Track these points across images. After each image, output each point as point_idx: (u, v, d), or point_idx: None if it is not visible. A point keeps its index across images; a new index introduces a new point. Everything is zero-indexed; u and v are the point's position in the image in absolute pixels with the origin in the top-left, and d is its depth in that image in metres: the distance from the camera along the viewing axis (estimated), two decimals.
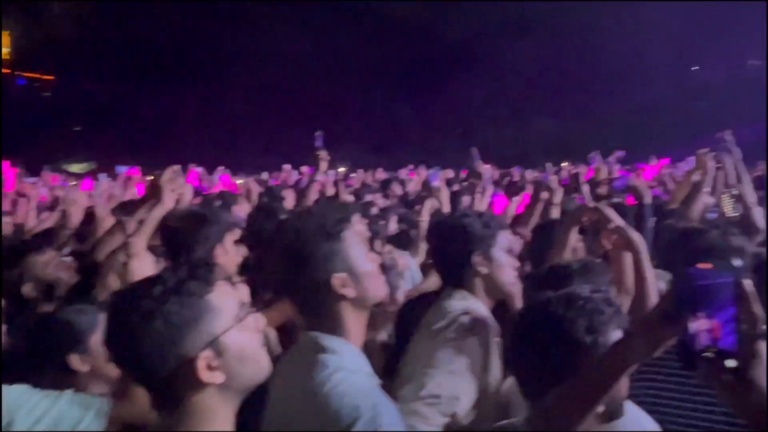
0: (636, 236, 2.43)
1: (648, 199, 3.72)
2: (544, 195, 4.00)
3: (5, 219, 4.68)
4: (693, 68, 19.21)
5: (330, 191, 6.20)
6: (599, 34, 18.60)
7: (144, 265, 2.00)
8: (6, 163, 7.06)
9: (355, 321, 1.60)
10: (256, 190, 6.82)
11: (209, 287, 1.28)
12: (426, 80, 22.76)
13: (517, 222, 4.19)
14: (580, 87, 20.74)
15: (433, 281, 3.11)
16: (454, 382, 1.87)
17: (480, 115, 21.99)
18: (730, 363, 1.10)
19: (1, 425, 1.45)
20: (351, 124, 20.28)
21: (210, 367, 1.24)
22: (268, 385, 1.47)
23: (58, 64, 27.07)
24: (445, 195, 4.28)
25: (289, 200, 6.00)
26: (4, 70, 28.92)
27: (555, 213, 3.93)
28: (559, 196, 3.99)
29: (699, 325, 1.09)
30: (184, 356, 1.23)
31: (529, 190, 4.96)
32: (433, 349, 1.95)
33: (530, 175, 8.24)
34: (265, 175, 11.44)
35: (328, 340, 1.55)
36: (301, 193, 5.60)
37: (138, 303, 1.25)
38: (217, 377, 1.25)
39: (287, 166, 9.89)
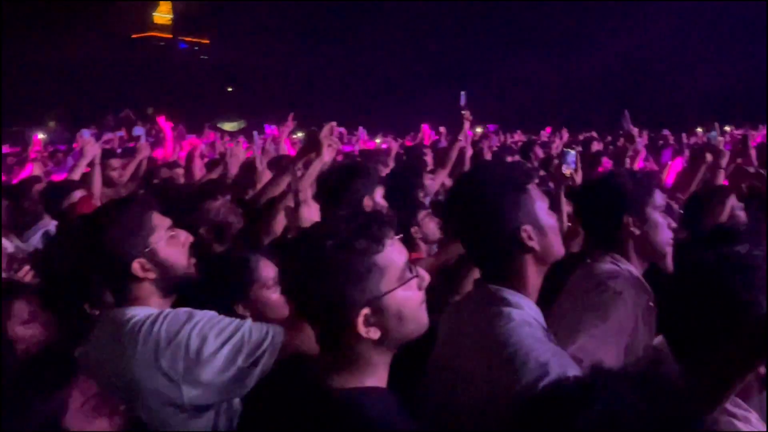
0: None
1: None
2: (709, 158, 3.71)
3: (177, 170, 5.21)
4: None
5: (469, 152, 6.18)
6: None
7: (312, 212, 2.17)
8: (161, 118, 7.72)
9: (535, 276, 1.61)
10: (395, 149, 6.98)
11: (378, 247, 1.29)
12: (567, 38, 21.64)
13: (677, 187, 3.95)
14: (742, 38, 18.59)
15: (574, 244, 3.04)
16: (597, 346, 1.84)
17: (624, 73, 20.54)
18: None
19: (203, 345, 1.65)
20: (490, 84, 19.82)
21: (367, 323, 1.28)
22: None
23: (213, 28, 28.92)
24: (578, 177, 4.12)
25: (428, 160, 6.08)
26: (166, 35, 31.46)
27: (720, 178, 3.65)
28: (725, 160, 3.70)
29: None
30: (344, 309, 1.28)
31: (686, 154, 4.65)
32: (578, 313, 1.92)
33: (686, 138, 7.66)
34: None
35: (509, 293, 1.56)
36: (441, 152, 5.66)
37: (309, 254, 1.30)
38: (373, 333, 1.28)
39: (425, 126, 9.96)
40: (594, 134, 8.82)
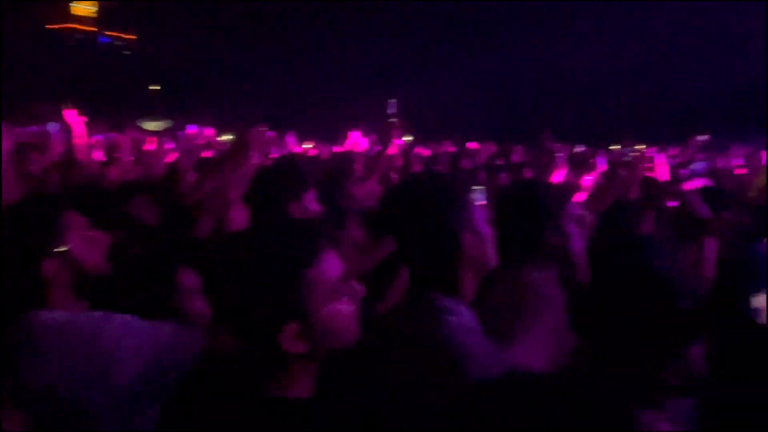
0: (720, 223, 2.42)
1: (727, 185, 3.66)
2: (622, 173, 3.94)
3: (87, 167, 4.97)
4: None
5: (399, 161, 6.25)
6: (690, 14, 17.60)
7: (240, 216, 2.13)
8: (73, 112, 7.40)
9: (471, 283, 1.67)
10: (325, 155, 6.96)
11: (311, 261, 1.24)
12: (498, 50, 22.24)
13: (591, 200, 4.15)
14: (662, 64, 19.74)
15: None
16: (531, 352, 1.91)
17: (553, 88, 21.34)
18: None
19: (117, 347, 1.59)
20: (421, 94, 20.10)
21: (294, 338, 1.24)
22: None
23: (140, 22, 27.91)
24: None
25: (358, 167, 6.09)
26: (89, 28, 30.12)
27: (633, 192, 3.87)
28: (639, 175, 3.93)
29: (761, 300, 1.12)
30: (270, 323, 1.23)
31: (602, 168, 4.88)
32: (510, 320, 1.98)
33: (602, 154, 8.05)
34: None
35: (447, 300, 1.60)
36: (370, 160, 5.69)
37: (237, 263, 1.25)
38: (299, 347, 1.24)
39: (355, 133, 9.96)
40: (518, 148, 9.11)
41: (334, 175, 4.65)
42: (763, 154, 6.79)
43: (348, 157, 6.38)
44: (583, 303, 1.72)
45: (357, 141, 9.65)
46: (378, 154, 4.89)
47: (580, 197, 4.20)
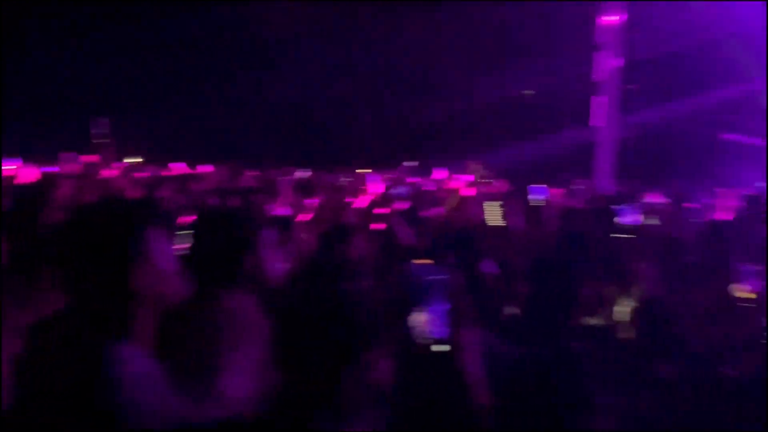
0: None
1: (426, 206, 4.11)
2: (338, 197, 4.17)
3: None
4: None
5: (118, 183, 5.79)
6: (393, 49, 19.58)
7: None
8: None
9: (150, 324, 1.49)
10: (29, 177, 6.14)
11: None
12: (228, 76, 22.19)
13: (312, 223, 4.30)
14: (382, 96, 21.70)
15: None
16: (238, 380, 1.86)
17: (277, 117, 22.01)
18: (441, 348, 1.29)
19: None
20: (146, 114, 19.06)
21: None
22: None
23: None
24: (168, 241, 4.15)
25: (66, 190, 5.47)
26: None
27: (348, 215, 4.12)
28: (353, 198, 4.20)
29: (417, 317, 1.27)
30: None
31: (323, 192, 5.13)
32: (215, 350, 1.91)
33: (324, 178, 8.51)
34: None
35: (119, 347, 1.41)
36: (79, 182, 5.16)
37: None
38: None
39: (67, 155, 8.98)
40: (249, 172, 9.11)
41: (30, 201, 4.09)
42: (457, 177, 7.85)
43: (51, 181, 5.70)
44: (282, 327, 1.74)
45: (71, 162, 8.72)
46: (86, 176, 4.44)
47: (303, 219, 4.35)
